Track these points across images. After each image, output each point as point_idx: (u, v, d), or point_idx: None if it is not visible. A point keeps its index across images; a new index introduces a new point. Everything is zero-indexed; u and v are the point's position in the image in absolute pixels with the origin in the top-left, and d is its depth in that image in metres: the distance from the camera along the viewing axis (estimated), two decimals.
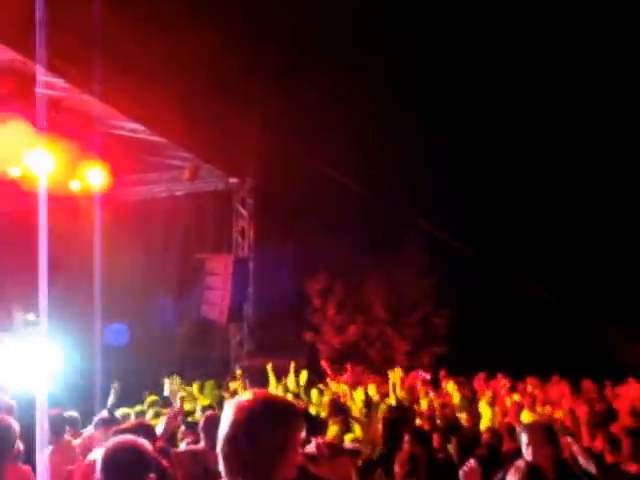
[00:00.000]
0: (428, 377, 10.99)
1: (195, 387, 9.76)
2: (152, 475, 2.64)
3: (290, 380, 9.69)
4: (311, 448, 3.07)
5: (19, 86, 9.51)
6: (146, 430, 4.01)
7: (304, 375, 9.69)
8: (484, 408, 8.46)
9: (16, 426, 3.65)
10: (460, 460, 4.89)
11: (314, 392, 9.31)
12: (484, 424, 7.98)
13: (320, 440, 3.23)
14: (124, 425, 4.57)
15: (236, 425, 1.94)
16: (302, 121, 12.14)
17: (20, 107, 10.17)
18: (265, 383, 9.58)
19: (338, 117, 11.78)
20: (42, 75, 9.21)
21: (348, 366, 11.24)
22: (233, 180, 14.30)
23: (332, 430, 7.09)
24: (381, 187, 14.30)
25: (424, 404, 8.69)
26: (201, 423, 5.09)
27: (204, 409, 8.02)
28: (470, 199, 14.14)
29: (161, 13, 8.36)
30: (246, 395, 2.03)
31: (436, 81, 12.97)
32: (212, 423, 4.44)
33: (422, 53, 12.19)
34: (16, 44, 8.28)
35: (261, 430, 1.91)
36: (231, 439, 1.93)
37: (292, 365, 9.79)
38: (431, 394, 9.48)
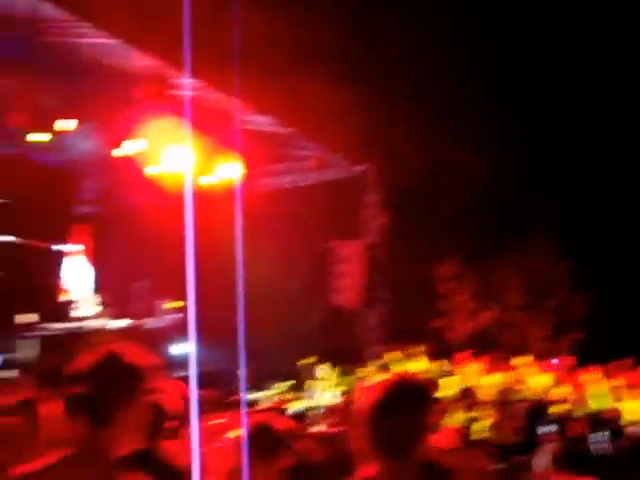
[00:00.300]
0: (569, 363, 10.58)
1: (332, 373, 10.01)
2: (285, 455, 2.75)
3: (420, 365, 9.70)
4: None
5: (152, 89, 10.16)
6: (279, 413, 4.19)
7: (433, 361, 9.66)
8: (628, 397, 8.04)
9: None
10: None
11: (443, 378, 9.27)
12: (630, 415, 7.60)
13: (451, 429, 3.26)
14: (258, 407, 4.79)
15: (375, 406, 1.98)
16: (429, 108, 12.02)
17: (159, 108, 10.90)
18: (398, 368, 9.64)
19: (464, 102, 11.56)
20: (178, 78, 9.84)
21: (479, 353, 11.08)
22: (360, 168, 14.43)
23: (459, 417, 7.03)
24: (512, 171, 13.87)
25: (561, 391, 8.40)
26: (340, 407, 5.25)
27: (342, 394, 8.21)
28: (603, 183, 13.41)
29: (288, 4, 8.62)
30: (383, 377, 2.09)
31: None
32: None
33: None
34: (156, 51, 8.89)
35: (399, 410, 1.94)
36: (370, 420, 1.98)
37: (422, 351, 9.79)
38: (570, 382, 9.13)
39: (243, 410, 5.47)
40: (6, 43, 8.85)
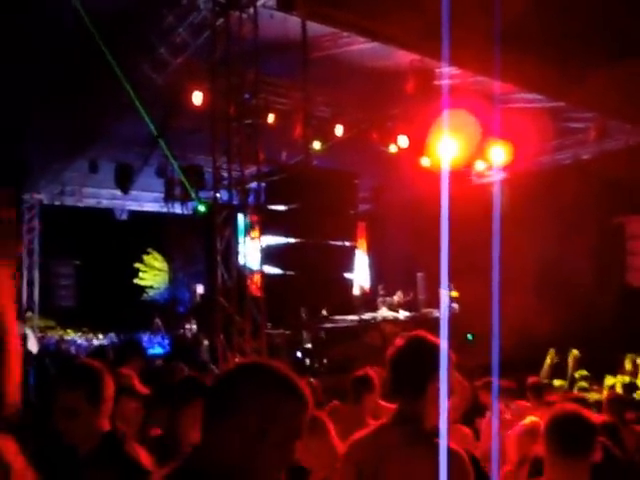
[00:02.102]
0: None
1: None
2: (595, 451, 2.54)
3: None
4: None
5: (419, 82, 10.37)
6: (582, 404, 4.00)
7: None
8: None
9: None
10: None
11: None
12: None
13: None
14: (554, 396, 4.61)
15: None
16: None
17: (428, 100, 11.11)
18: None
19: None
20: (440, 68, 9.94)
21: None
22: None
23: None
24: None
25: None
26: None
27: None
28: None
29: None
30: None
31: None
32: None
33: None
34: (414, 48, 9.12)
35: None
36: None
37: None
38: None
39: (494, 396, 5.36)
40: (284, 64, 9.83)
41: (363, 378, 4.52)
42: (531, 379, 6.53)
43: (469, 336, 12.13)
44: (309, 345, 11.40)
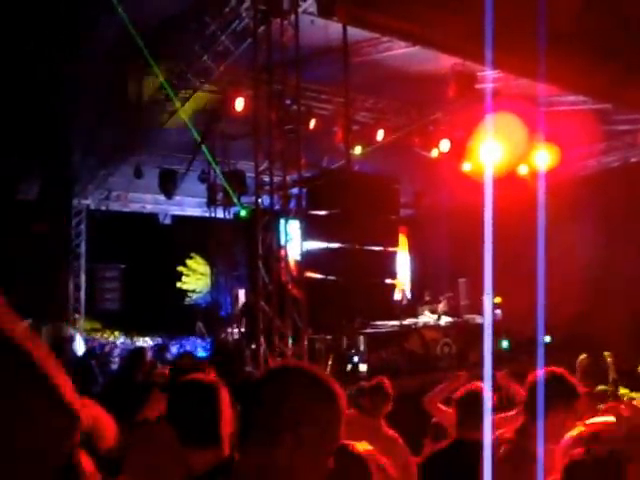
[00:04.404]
0: None
1: None
2: None
3: None
4: None
5: (461, 86, 10.29)
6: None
7: None
8: None
9: None
10: None
11: None
12: None
13: None
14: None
15: None
16: None
17: (464, 105, 11.01)
18: None
19: None
20: (481, 72, 9.85)
21: None
22: None
23: None
24: None
25: None
26: None
27: None
28: None
29: None
30: None
31: None
32: None
33: None
34: (456, 51, 9.04)
35: None
36: None
37: None
38: None
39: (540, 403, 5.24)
40: (325, 70, 9.87)
41: (377, 386, 4.47)
42: (582, 388, 6.38)
43: (504, 343, 11.92)
44: (352, 351, 11.38)
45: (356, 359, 11.12)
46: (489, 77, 10.17)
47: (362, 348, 11.58)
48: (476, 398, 3.34)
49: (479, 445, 2.70)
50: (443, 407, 4.66)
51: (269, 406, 1.47)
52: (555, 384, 2.85)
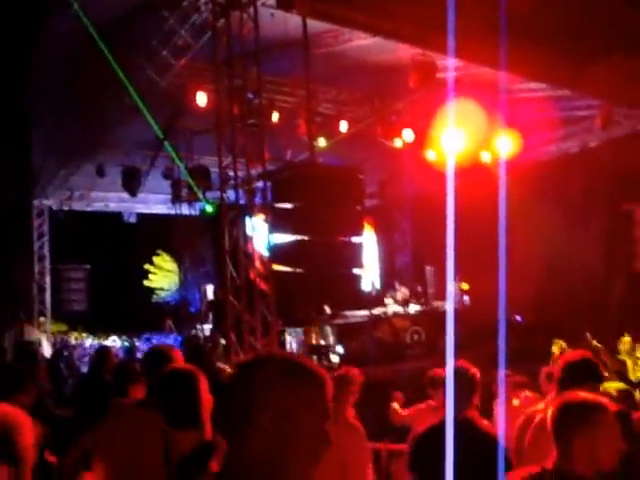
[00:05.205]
0: None
1: None
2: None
3: None
4: None
5: (422, 76, 10.35)
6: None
7: None
8: None
9: None
10: None
11: None
12: None
13: None
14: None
15: None
16: None
17: (432, 93, 11.10)
18: None
19: None
20: (442, 61, 9.92)
21: None
22: None
23: None
24: None
25: None
26: None
27: None
28: None
29: None
30: None
31: None
32: None
33: None
34: (418, 41, 9.11)
35: None
36: None
37: None
38: None
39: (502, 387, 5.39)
40: (286, 62, 9.85)
41: (343, 376, 4.49)
42: (545, 369, 6.52)
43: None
44: (322, 342, 11.43)
45: (326, 350, 11.18)
46: (450, 66, 10.25)
47: (332, 339, 11.64)
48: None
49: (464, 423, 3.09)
50: (403, 413, 5.76)
51: (250, 398, 1.43)
52: (586, 366, 3.31)
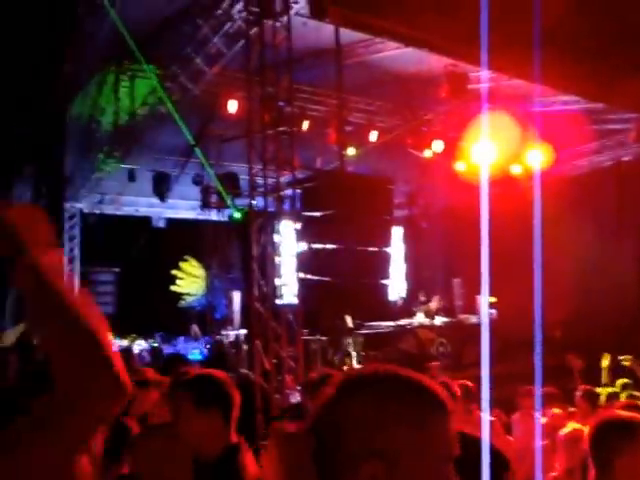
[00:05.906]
0: None
1: None
2: None
3: None
4: None
5: (453, 87, 10.32)
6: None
7: None
8: None
9: None
10: None
11: None
12: None
13: None
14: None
15: None
16: None
17: (456, 106, 11.04)
18: None
19: None
20: (474, 72, 9.87)
21: None
22: None
23: None
24: None
25: None
26: None
27: None
28: None
29: None
30: None
31: None
32: None
33: None
34: (449, 52, 9.08)
35: None
36: None
37: None
38: None
39: (537, 404, 5.27)
40: (318, 71, 9.89)
41: (323, 379, 4.26)
42: (582, 386, 6.45)
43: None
44: (348, 351, 11.39)
45: (351, 360, 11.13)
46: (482, 78, 10.20)
47: (357, 349, 11.60)
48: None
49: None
50: None
51: (349, 429, 1.06)
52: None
